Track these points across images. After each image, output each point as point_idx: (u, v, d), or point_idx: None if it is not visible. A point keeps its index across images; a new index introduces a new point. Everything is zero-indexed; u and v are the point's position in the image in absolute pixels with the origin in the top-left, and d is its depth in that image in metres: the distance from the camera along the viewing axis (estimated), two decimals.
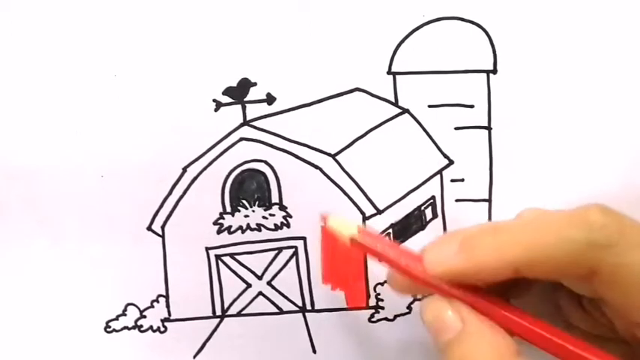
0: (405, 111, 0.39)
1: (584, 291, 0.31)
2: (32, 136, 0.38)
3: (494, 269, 0.30)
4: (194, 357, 0.40)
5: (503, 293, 0.32)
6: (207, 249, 0.39)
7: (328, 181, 0.39)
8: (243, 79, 0.38)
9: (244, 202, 0.39)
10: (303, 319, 0.40)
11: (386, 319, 0.40)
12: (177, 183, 0.39)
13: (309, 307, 0.40)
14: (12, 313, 0.39)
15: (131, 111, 0.38)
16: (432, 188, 0.40)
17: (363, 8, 0.38)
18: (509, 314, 0.31)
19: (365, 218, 0.39)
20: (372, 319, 0.40)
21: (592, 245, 0.29)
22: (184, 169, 0.39)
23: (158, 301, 0.39)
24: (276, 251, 0.40)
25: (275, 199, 0.39)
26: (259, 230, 0.39)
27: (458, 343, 0.30)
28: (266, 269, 0.40)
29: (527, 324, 0.30)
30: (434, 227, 0.40)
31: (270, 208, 0.39)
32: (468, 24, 0.39)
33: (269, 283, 0.40)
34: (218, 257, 0.39)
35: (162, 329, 0.40)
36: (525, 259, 0.30)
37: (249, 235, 0.39)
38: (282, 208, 0.39)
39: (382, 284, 0.40)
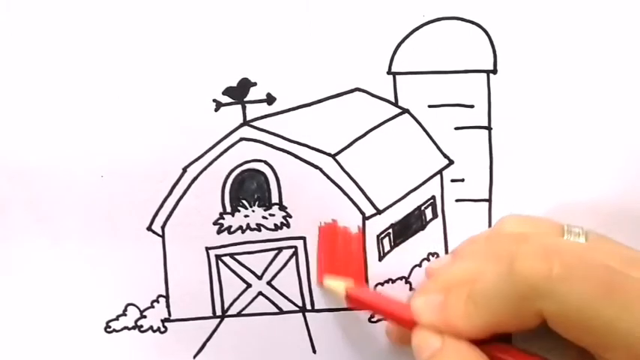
0: (405, 111, 0.39)
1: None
2: (32, 136, 0.38)
3: (469, 334, 0.32)
4: (194, 357, 0.40)
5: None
6: (207, 249, 0.39)
7: (328, 181, 0.39)
8: (243, 79, 0.38)
9: (244, 202, 0.39)
10: (303, 319, 0.40)
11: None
12: (178, 183, 0.39)
13: (309, 307, 0.40)
14: (12, 313, 0.39)
15: (131, 111, 0.38)
16: (432, 188, 0.40)
17: (363, 8, 0.38)
18: (489, 349, 0.32)
19: (365, 218, 0.39)
20: (372, 319, 0.40)
21: (525, 298, 0.30)
22: (184, 169, 0.39)
23: (158, 301, 0.39)
24: (276, 251, 0.40)
25: (275, 199, 0.39)
26: (259, 230, 0.39)
27: (435, 357, 0.32)
28: (266, 269, 0.40)
29: (506, 356, 0.32)
30: (434, 227, 0.40)
31: (270, 208, 0.39)
32: (468, 24, 0.39)
33: (269, 283, 0.40)
34: (218, 257, 0.39)
35: (162, 329, 0.40)
36: (488, 325, 0.32)
37: (249, 235, 0.39)
38: (282, 208, 0.39)
39: (382, 284, 0.40)
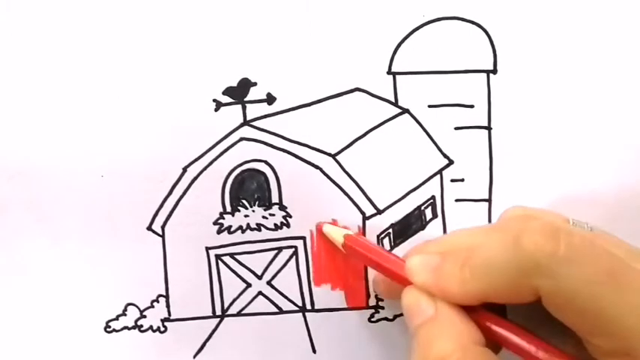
0: (405, 111, 0.39)
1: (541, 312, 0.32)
2: (32, 136, 0.38)
3: (461, 299, 0.32)
4: (194, 357, 0.40)
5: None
6: (207, 249, 0.39)
7: (328, 181, 0.39)
8: (243, 79, 0.38)
9: (244, 202, 0.39)
10: (303, 319, 0.40)
11: (386, 319, 0.40)
12: (178, 183, 0.39)
13: (309, 307, 0.40)
14: (12, 313, 0.39)
15: (131, 111, 0.38)
16: (432, 188, 0.40)
17: (363, 8, 0.38)
18: (481, 317, 0.32)
19: (365, 218, 0.39)
20: (372, 319, 0.40)
21: (525, 273, 0.30)
22: (184, 169, 0.39)
23: (158, 301, 0.39)
24: (275, 251, 0.40)
25: (275, 199, 0.39)
26: (259, 230, 0.39)
27: (426, 326, 0.32)
28: (266, 269, 0.40)
29: (496, 327, 0.32)
30: (434, 227, 0.40)
31: (270, 208, 0.39)
32: (468, 24, 0.39)
33: (269, 283, 0.40)
34: (218, 257, 0.39)
35: (162, 329, 0.40)
36: (482, 293, 0.32)
37: (249, 235, 0.39)
38: (282, 208, 0.39)
39: None
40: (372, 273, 0.39)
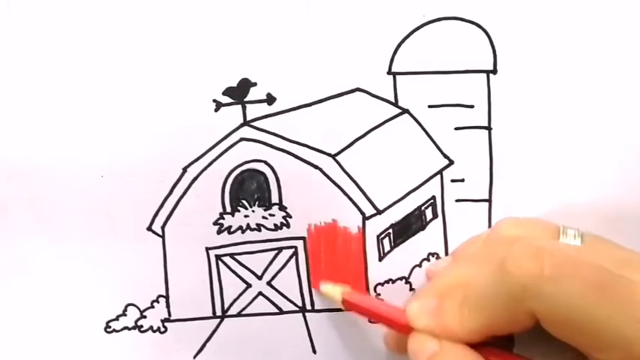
0: (405, 111, 0.39)
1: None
2: (32, 136, 0.38)
3: (464, 337, 0.32)
4: (194, 357, 0.40)
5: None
6: (207, 249, 0.39)
7: (328, 181, 0.39)
8: (243, 79, 0.38)
9: (244, 202, 0.39)
10: (303, 319, 0.40)
11: None
12: (178, 183, 0.39)
13: (309, 307, 0.40)
14: (12, 313, 0.39)
15: (131, 111, 0.38)
16: (432, 188, 0.40)
17: (363, 8, 0.38)
18: (486, 354, 0.32)
19: (365, 218, 0.39)
20: (372, 320, 0.40)
21: (516, 298, 0.30)
22: (184, 169, 0.39)
23: (158, 301, 0.39)
24: (275, 251, 0.40)
25: (275, 199, 0.39)
26: (259, 230, 0.39)
27: (433, 359, 0.33)
28: (266, 269, 0.40)
29: None
30: (434, 227, 0.40)
31: (270, 208, 0.39)
32: (468, 24, 0.39)
33: (269, 283, 0.40)
34: (218, 257, 0.39)
35: (162, 329, 0.40)
36: (483, 328, 0.32)
37: (249, 235, 0.39)
38: (282, 208, 0.39)
39: (382, 284, 0.40)
40: (373, 274, 0.39)
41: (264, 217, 0.39)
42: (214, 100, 0.38)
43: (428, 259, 0.40)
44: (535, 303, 0.30)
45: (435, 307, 0.34)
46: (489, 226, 0.40)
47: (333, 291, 0.38)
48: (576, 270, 0.30)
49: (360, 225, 0.39)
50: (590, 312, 0.29)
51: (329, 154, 0.39)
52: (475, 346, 0.33)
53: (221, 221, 0.39)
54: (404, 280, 0.40)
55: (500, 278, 0.31)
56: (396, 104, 0.39)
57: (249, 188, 0.39)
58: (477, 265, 0.34)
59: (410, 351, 0.34)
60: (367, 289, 0.40)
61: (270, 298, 0.40)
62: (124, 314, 0.40)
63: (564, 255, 0.30)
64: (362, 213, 0.39)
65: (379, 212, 0.39)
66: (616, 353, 0.29)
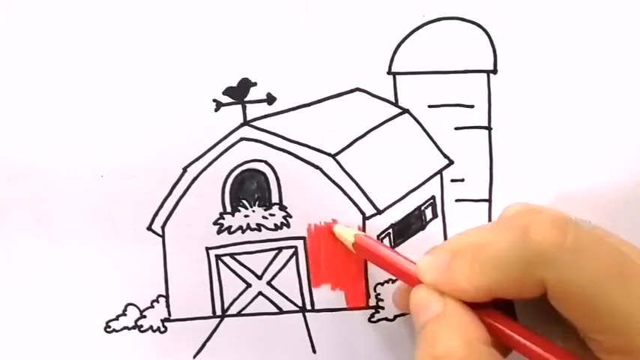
0: (405, 111, 0.39)
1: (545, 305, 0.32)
2: (32, 136, 0.38)
3: (470, 294, 0.32)
4: (194, 357, 0.40)
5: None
6: (207, 249, 0.39)
7: (328, 181, 0.39)
8: (243, 79, 0.38)
9: (244, 202, 0.39)
10: (303, 319, 0.40)
11: (386, 319, 0.40)
12: (178, 183, 0.39)
13: (309, 307, 0.40)
14: (12, 313, 0.39)
15: (131, 111, 0.38)
16: (432, 188, 0.40)
17: (363, 8, 0.38)
18: (490, 317, 0.32)
19: (365, 218, 0.39)
20: (372, 319, 0.40)
21: (531, 264, 0.30)
22: (184, 169, 0.39)
23: (158, 301, 0.39)
24: (276, 251, 0.40)
25: (275, 199, 0.39)
26: (259, 230, 0.39)
27: (433, 322, 0.32)
28: (266, 269, 0.40)
29: (505, 328, 0.32)
30: (434, 227, 0.40)
31: (270, 208, 0.39)
32: (468, 24, 0.39)
33: (269, 283, 0.40)
34: (218, 257, 0.39)
35: (162, 329, 0.40)
36: (491, 288, 0.32)
37: (249, 235, 0.39)
38: (282, 208, 0.39)
39: (382, 284, 0.40)
40: (373, 274, 0.39)
41: (264, 217, 0.39)
42: (214, 100, 0.38)
43: None
44: (549, 272, 0.29)
45: (445, 263, 0.33)
46: None
47: (346, 232, 0.38)
48: (599, 247, 0.30)
49: (360, 225, 0.39)
50: (604, 292, 0.29)
51: (329, 154, 0.39)
52: (480, 308, 0.32)
53: (221, 221, 0.39)
54: None
55: (520, 243, 0.30)
56: (396, 104, 0.39)
57: (250, 188, 0.39)
58: (495, 229, 0.34)
59: (412, 304, 0.34)
60: (367, 289, 0.40)
61: (270, 297, 0.40)
62: (123, 314, 0.40)
63: (589, 231, 0.30)
64: (362, 213, 0.39)
65: (379, 212, 0.39)
66: (617, 338, 0.29)
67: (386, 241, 0.40)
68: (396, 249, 0.40)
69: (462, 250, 0.33)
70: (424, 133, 0.39)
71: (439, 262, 0.33)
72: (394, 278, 0.39)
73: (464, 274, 0.32)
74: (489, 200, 0.40)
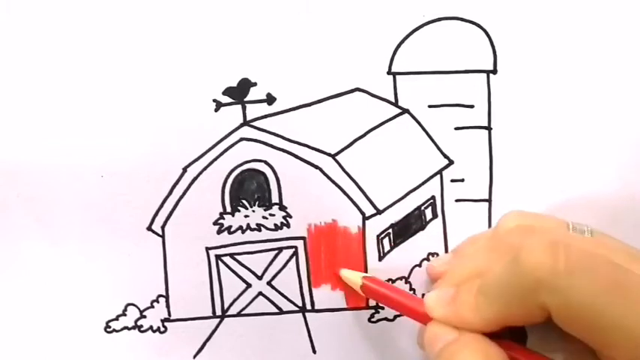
0: (405, 111, 0.39)
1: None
2: (32, 136, 0.38)
3: (479, 326, 0.32)
4: (194, 357, 0.40)
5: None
6: (207, 249, 0.39)
7: (328, 181, 0.39)
8: (243, 79, 0.38)
9: (244, 202, 0.39)
10: (303, 319, 0.40)
11: (386, 319, 0.40)
12: (178, 183, 0.39)
13: (309, 307, 0.40)
14: (12, 313, 0.39)
15: (131, 111, 0.38)
16: (432, 188, 0.40)
17: (363, 8, 0.38)
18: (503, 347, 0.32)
19: (365, 218, 0.39)
20: (372, 319, 0.40)
21: (529, 290, 0.30)
22: (184, 169, 0.39)
23: (158, 301, 0.39)
24: (276, 251, 0.40)
25: (275, 199, 0.39)
26: (259, 230, 0.39)
27: (450, 346, 0.32)
28: (266, 269, 0.40)
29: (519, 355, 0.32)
30: (434, 227, 0.40)
31: (270, 208, 0.39)
32: (468, 24, 0.39)
33: (269, 283, 0.40)
34: (218, 257, 0.39)
35: (162, 329, 0.40)
36: (497, 318, 0.32)
37: (249, 235, 0.39)
38: (282, 208, 0.39)
39: None
40: (372, 273, 0.39)
41: (264, 217, 0.39)
42: (214, 100, 0.38)
43: (428, 259, 0.40)
44: (548, 296, 0.30)
45: (451, 297, 0.34)
46: (489, 226, 0.40)
47: (353, 276, 0.38)
48: (591, 265, 0.30)
49: (360, 225, 0.39)
50: (603, 309, 0.29)
51: (329, 154, 0.39)
52: (491, 337, 0.32)
53: (221, 221, 0.39)
54: (404, 280, 0.40)
55: (514, 269, 0.31)
56: (396, 104, 0.39)
57: (250, 188, 0.39)
58: (491, 255, 0.34)
59: (426, 339, 0.34)
60: None
61: (270, 298, 0.40)
62: (123, 314, 0.39)
63: (579, 249, 0.30)
64: (362, 213, 0.39)
65: (379, 212, 0.39)
66: (627, 350, 0.29)
67: (386, 241, 0.40)
68: (396, 249, 0.40)
69: (466, 281, 0.34)
70: (424, 133, 0.39)
71: (444, 298, 0.34)
72: (394, 278, 0.39)
73: (470, 307, 0.33)
74: (489, 200, 0.40)
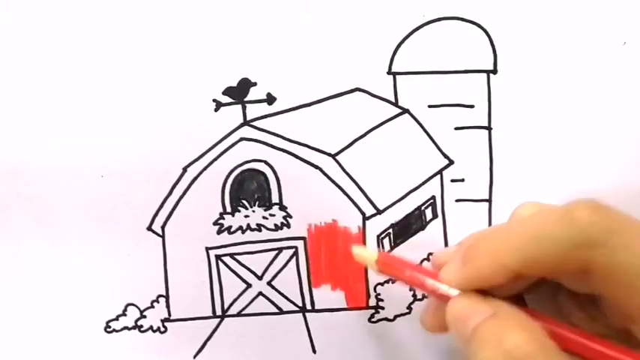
0: (405, 111, 0.39)
1: (581, 288, 0.32)
2: (32, 136, 0.38)
3: (494, 274, 0.31)
4: (194, 357, 0.40)
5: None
6: (207, 249, 0.39)
7: (328, 181, 0.39)
8: (243, 79, 0.38)
9: (244, 202, 0.39)
10: (303, 319, 0.40)
11: (386, 319, 0.40)
12: (178, 183, 0.39)
13: (309, 307, 0.40)
14: (12, 313, 0.39)
15: (131, 111, 0.38)
16: (432, 188, 0.40)
17: (363, 8, 0.38)
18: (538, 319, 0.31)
19: (365, 218, 0.39)
20: (372, 319, 0.40)
21: (578, 245, 0.30)
22: (184, 169, 0.39)
23: (158, 301, 0.39)
24: (276, 251, 0.40)
25: (275, 199, 0.39)
26: (259, 230, 0.39)
27: (489, 322, 0.30)
28: (266, 269, 0.40)
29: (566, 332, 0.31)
30: (434, 227, 0.40)
31: (271, 208, 0.39)
32: (468, 24, 0.39)
33: (269, 283, 0.40)
34: (218, 257, 0.39)
35: (162, 329, 0.40)
36: (518, 262, 0.30)
37: (250, 236, 0.39)
38: (282, 208, 0.39)
39: (382, 284, 0.40)
40: (373, 275, 0.39)
41: (264, 217, 0.39)
42: (214, 100, 0.38)
43: (428, 259, 0.40)
44: (597, 253, 0.29)
45: (460, 264, 0.32)
46: (489, 226, 0.40)
47: (368, 253, 0.36)
48: (637, 229, 0.30)
49: (360, 225, 0.39)
50: None
51: (329, 154, 0.39)
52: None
53: (221, 221, 0.39)
54: None
55: (564, 223, 0.30)
56: (396, 104, 0.39)
57: (250, 188, 0.39)
58: (506, 227, 0.33)
59: (453, 313, 0.32)
60: (367, 289, 0.40)
61: (271, 298, 0.40)
62: (124, 314, 0.40)
63: (623, 214, 0.30)
64: (362, 213, 0.39)
65: (379, 212, 0.39)
66: None
67: (386, 241, 0.40)
68: (396, 249, 0.40)
69: (483, 236, 0.32)
70: (424, 133, 0.39)
71: (457, 264, 0.32)
72: (394, 279, 0.39)
73: (484, 255, 0.31)
74: (489, 200, 0.40)
